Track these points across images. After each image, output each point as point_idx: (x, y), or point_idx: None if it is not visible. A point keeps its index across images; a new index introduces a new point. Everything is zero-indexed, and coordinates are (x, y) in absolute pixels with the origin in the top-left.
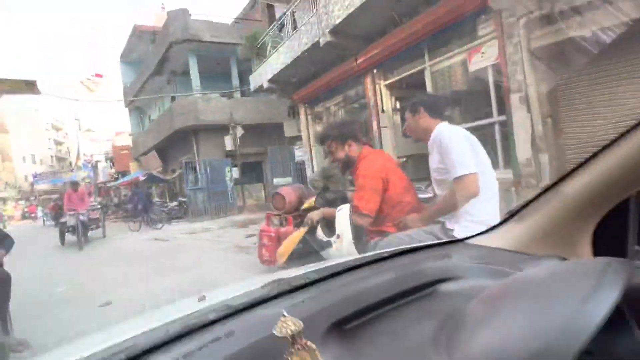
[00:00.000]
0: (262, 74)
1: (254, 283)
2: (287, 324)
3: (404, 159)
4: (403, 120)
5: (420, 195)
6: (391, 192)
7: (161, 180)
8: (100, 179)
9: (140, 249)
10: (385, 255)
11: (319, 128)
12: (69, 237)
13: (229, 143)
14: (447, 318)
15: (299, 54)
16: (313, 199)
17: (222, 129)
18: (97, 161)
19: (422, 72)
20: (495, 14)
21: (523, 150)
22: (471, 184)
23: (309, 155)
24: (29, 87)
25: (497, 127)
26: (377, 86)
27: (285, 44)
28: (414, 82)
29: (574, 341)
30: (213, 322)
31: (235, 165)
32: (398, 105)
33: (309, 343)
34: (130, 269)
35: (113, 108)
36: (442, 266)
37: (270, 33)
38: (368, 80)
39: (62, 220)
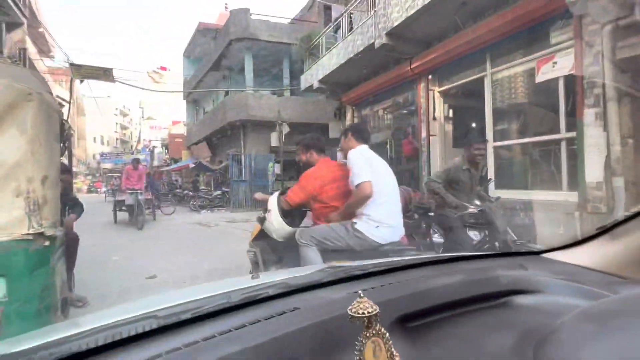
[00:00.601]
0: (313, 74)
1: (302, 270)
2: (364, 306)
3: None
4: (455, 129)
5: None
6: (323, 196)
7: (208, 170)
8: (156, 163)
9: (185, 230)
10: (454, 257)
11: None
12: (123, 215)
13: (274, 139)
14: (531, 331)
15: (352, 55)
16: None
17: (269, 126)
18: (154, 146)
19: (481, 80)
20: (574, 20)
21: (593, 171)
22: (364, 190)
23: None
24: (106, 74)
25: (563, 145)
26: (430, 92)
27: (339, 45)
28: (472, 90)
29: None
30: (272, 298)
31: (278, 162)
32: (451, 114)
33: (383, 329)
34: (175, 248)
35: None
36: (517, 277)
37: (325, 34)
38: (421, 85)
39: (119, 198)
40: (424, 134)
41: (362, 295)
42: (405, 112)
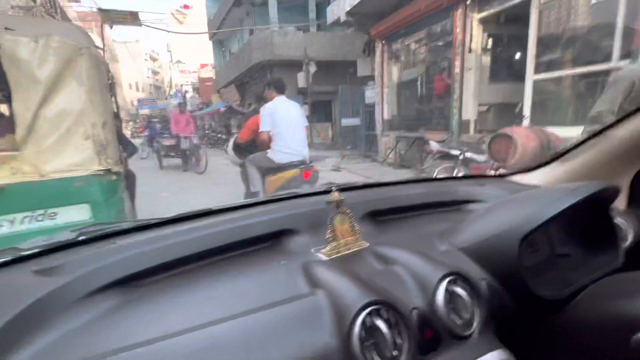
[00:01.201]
0: (340, 6)
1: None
2: (335, 196)
3: (485, 108)
4: (493, 62)
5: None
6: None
7: (239, 113)
8: (189, 107)
9: (226, 171)
10: (436, 178)
11: (395, 68)
12: (170, 161)
13: (301, 80)
14: (459, 222)
15: None
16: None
17: (295, 65)
18: (185, 91)
19: (527, 3)
20: None
21: None
22: (261, 137)
23: (380, 98)
24: (133, 17)
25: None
26: (468, 20)
27: None
28: (515, 16)
29: (520, 230)
30: (283, 199)
31: (306, 103)
32: (490, 44)
33: (347, 210)
34: (221, 188)
35: (199, 40)
36: (474, 191)
37: None
38: (458, 12)
39: (168, 143)
40: (457, 68)
41: (334, 189)
42: (440, 44)
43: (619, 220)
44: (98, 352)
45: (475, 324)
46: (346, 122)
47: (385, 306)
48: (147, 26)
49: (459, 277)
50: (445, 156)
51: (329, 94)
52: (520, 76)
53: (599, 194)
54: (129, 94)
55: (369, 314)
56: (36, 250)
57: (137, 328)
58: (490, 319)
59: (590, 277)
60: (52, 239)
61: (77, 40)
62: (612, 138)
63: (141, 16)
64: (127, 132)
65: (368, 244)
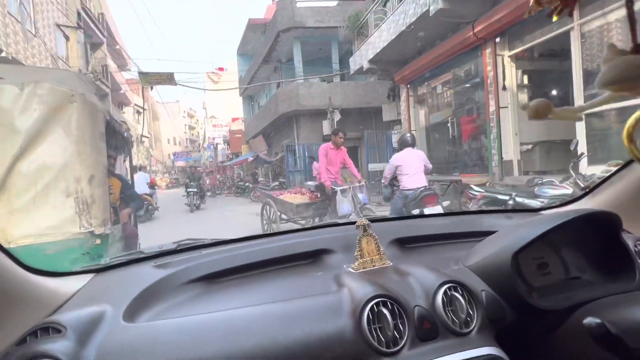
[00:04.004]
0: (363, 55)
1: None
2: (362, 221)
3: (529, 146)
4: (531, 98)
5: (551, 192)
6: None
7: (266, 162)
8: (220, 158)
9: (244, 221)
10: (465, 211)
11: (422, 111)
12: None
13: (326, 127)
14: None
15: (404, 28)
16: None
17: (320, 114)
18: (217, 144)
19: (566, 34)
20: None
21: None
22: None
23: None
24: (169, 78)
25: None
26: (498, 58)
27: (389, 19)
28: (552, 50)
29: (512, 247)
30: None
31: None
32: (526, 80)
33: (372, 233)
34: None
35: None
36: (499, 223)
37: (374, 10)
38: (487, 52)
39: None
40: (492, 107)
41: (362, 216)
42: (469, 84)
43: None
44: (188, 314)
45: (473, 325)
46: (373, 166)
47: (390, 299)
48: (183, 85)
49: (458, 285)
50: (491, 202)
51: (355, 139)
52: None
53: (592, 217)
54: (167, 148)
55: (377, 304)
56: (154, 253)
57: (212, 307)
58: (489, 323)
59: (593, 295)
60: (163, 247)
61: (71, 87)
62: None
63: (179, 77)
64: (162, 184)
65: (391, 263)
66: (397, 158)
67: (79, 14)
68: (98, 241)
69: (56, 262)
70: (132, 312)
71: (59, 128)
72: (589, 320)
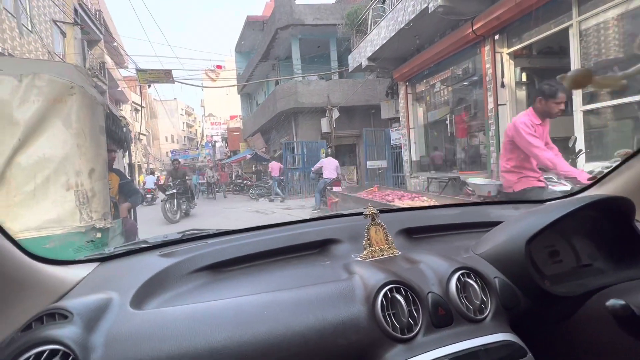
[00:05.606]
0: (361, 52)
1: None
2: (370, 210)
3: None
4: (530, 96)
5: (553, 187)
6: None
7: (264, 160)
8: (218, 156)
9: (244, 218)
10: (473, 202)
11: (420, 109)
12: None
13: (324, 125)
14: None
15: (403, 25)
16: None
17: (319, 111)
18: (215, 141)
19: (565, 31)
20: None
21: None
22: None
23: (407, 139)
24: (167, 75)
25: None
26: (497, 55)
27: (388, 16)
28: (551, 47)
29: (525, 234)
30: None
31: (330, 147)
32: (524, 78)
33: (381, 222)
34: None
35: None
36: (507, 213)
37: (372, 7)
38: (485, 49)
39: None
40: (491, 104)
41: (370, 205)
42: (467, 82)
43: None
44: (196, 302)
45: (487, 311)
46: (371, 164)
47: (404, 286)
48: (181, 83)
49: (471, 271)
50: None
51: (353, 137)
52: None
53: (604, 204)
54: (164, 146)
55: (390, 290)
56: (159, 242)
57: (220, 295)
58: (503, 309)
59: (607, 281)
60: (167, 236)
61: (70, 79)
62: None
63: (177, 74)
64: (159, 181)
65: (400, 252)
66: (322, 161)
67: (75, 10)
68: (99, 235)
69: (57, 256)
70: (139, 299)
71: (58, 120)
72: (612, 302)
